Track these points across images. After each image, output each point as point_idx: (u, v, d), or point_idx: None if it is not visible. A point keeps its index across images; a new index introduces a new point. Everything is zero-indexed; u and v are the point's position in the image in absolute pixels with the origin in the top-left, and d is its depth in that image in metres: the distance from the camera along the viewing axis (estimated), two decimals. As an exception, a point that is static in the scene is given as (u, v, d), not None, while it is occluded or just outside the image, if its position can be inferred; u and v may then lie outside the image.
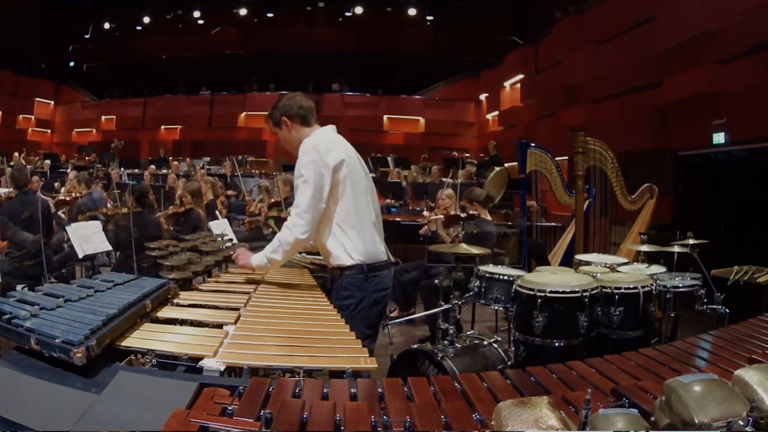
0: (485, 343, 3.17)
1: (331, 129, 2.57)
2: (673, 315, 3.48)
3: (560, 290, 2.80)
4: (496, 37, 13.58)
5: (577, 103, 9.74)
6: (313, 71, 16.08)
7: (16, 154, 12.65)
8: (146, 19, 17.13)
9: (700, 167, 6.98)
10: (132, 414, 1.14)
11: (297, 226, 2.35)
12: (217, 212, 6.43)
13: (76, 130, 17.23)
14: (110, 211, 5.51)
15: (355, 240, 2.38)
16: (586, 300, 2.79)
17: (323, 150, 2.37)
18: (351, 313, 2.27)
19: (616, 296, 2.92)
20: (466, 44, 15.26)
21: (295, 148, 2.49)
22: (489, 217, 5.06)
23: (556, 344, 2.80)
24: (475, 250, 3.55)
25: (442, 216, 4.87)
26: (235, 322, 1.84)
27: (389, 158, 11.73)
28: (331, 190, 2.36)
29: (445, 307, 3.36)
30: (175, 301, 2.08)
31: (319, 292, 2.39)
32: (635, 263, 3.88)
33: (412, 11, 16.10)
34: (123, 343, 1.54)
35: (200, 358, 1.47)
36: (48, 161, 11.86)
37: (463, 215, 4.90)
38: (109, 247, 4.70)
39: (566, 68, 10.16)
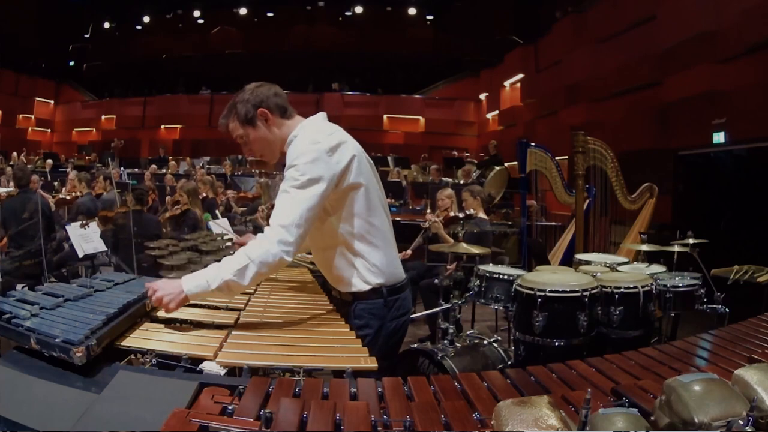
0: (485, 342, 3.18)
1: (323, 118, 1.99)
2: (673, 314, 3.49)
3: (560, 290, 2.80)
4: (496, 37, 13.59)
5: (577, 102, 9.74)
6: (313, 70, 16.09)
7: (15, 153, 12.65)
8: (146, 19, 17.15)
9: (700, 167, 6.99)
10: (132, 414, 1.14)
11: (284, 243, 1.73)
12: (217, 212, 6.43)
13: (76, 129, 17.25)
14: (110, 214, 5.52)
15: (372, 259, 1.91)
16: (586, 299, 2.79)
17: (329, 146, 1.81)
18: (366, 346, 1.69)
19: (616, 296, 2.92)
20: (466, 44, 15.27)
21: (275, 149, 1.96)
22: (485, 217, 5.07)
23: (556, 344, 2.80)
24: (474, 250, 3.56)
25: (438, 220, 4.87)
26: (235, 322, 1.84)
27: (389, 158, 11.75)
28: (341, 198, 1.85)
29: (445, 306, 3.37)
30: (175, 300, 2.07)
31: (320, 292, 2.38)
32: (635, 263, 3.88)
33: (412, 11, 16.12)
34: (123, 343, 1.54)
35: (200, 359, 1.47)
36: (50, 161, 11.87)
37: (461, 215, 4.91)
38: (106, 248, 4.71)
39: (566, 68, 10.16)
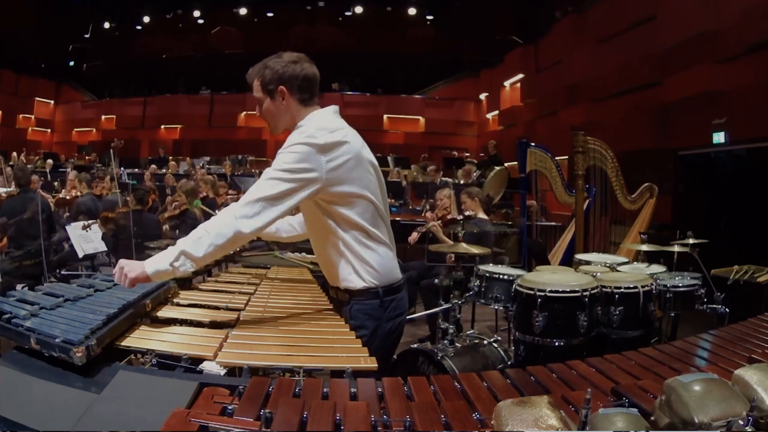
0: (485, 342, 3.18)
1: (334, 112, 1.98)
2: (673, 314, 3.48)
3: (560, 290, 2.80)
4: (496, 37, 13.58)
5: (577, 102, 9.74)
6: (313, 71, 16.08)
7: (14, 153, 12.64)
8: (146, 19, 17.14)
9: (700, 167, 6.98)
10: (132, 414, 1.14)
11: (245, 216, 1.73)
12: (217, 211, 6.42)
13: (76, 129, 17.24)
14: (111, 214, 5.52)
15: (369, 258, 1.92)
16: (586, 299, 2.79)
17: (323, 143, 1.79)
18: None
19: (616, 296, 2.92)
20: (466, 44, 15.26)
21: (279, 126, 1.97)
22: (485, 217, 5.07)
23: (556, 344, 2.81)
24: (475, 250, 3.56)
25: (437, 223, 4.87)
26: (235, 322, 1.84)
27: (389, 158, 11.75)
28: (336, 198, 1.85)
29: (445, 306, 3.37)
30: (175, 300, 2.08)
31: (320, 292, 2.38)
32: (635, 263, 3.88)
33: (412, 11, 16.11)
34: (123, 343, 1.54)
35: (200, 359, 1.47)
36: (50, 161, 11.87)
37: (459, 218, 4.91)
38: (106, 248, 4.72)
39: (566, 68, 10.16)
